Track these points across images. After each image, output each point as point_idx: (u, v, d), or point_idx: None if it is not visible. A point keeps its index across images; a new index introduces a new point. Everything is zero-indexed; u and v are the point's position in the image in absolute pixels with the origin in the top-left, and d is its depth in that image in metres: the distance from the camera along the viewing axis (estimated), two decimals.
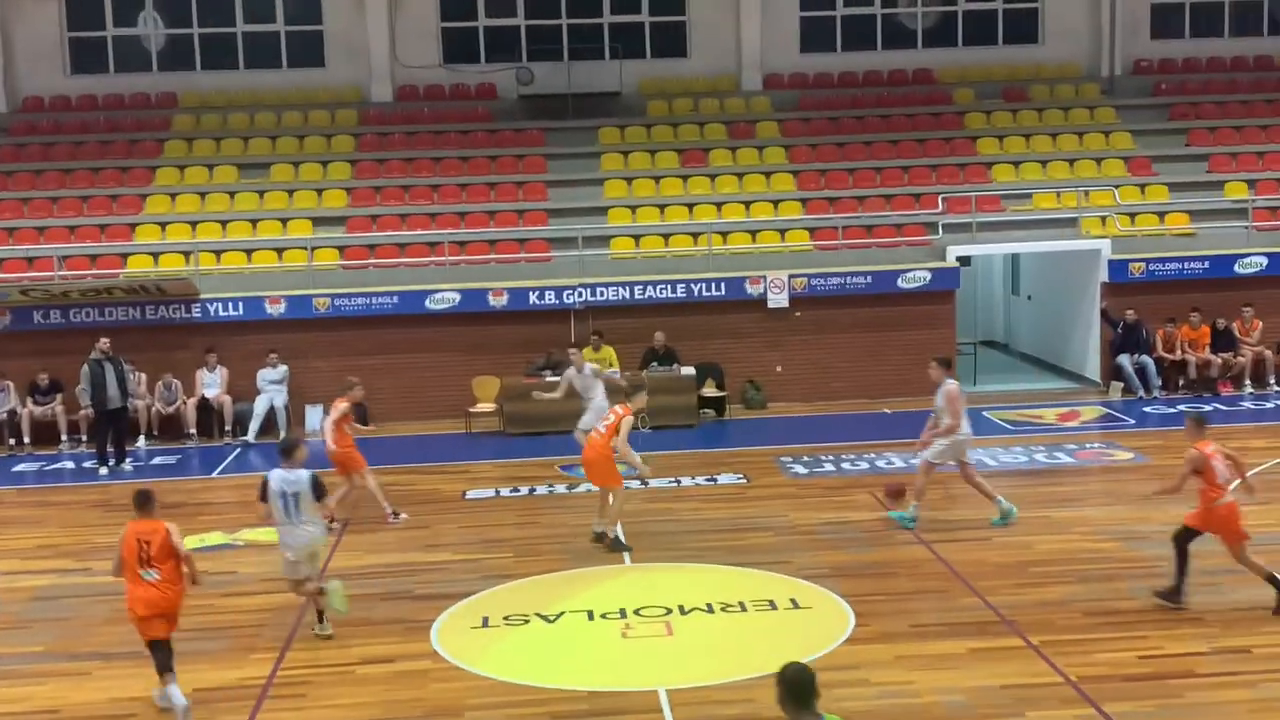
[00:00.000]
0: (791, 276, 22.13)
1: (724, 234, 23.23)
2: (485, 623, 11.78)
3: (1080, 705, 9.50)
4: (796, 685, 6.02)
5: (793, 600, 12.06)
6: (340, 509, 15.42)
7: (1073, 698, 9.63)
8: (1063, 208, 23.61)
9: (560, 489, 16.96)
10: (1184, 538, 11.44)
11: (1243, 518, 11.38)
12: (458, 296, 21.81)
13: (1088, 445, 18.59)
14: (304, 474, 11.32)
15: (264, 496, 11.39)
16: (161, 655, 9.78)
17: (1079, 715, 9.36)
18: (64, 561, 14.26)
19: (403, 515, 15.66)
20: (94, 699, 10.33)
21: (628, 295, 22.06)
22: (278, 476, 11.33)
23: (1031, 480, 16.47)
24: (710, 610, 11.83)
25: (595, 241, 23.08)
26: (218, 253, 22.57)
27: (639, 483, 16.33)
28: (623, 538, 14.10)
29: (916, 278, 22.25)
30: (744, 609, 11.85)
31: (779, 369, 22.43)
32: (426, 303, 21.77)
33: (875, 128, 26.12)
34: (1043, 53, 27.64)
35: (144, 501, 10.12)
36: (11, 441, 20.61)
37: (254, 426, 20.74)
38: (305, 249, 22.39)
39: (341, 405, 15.92)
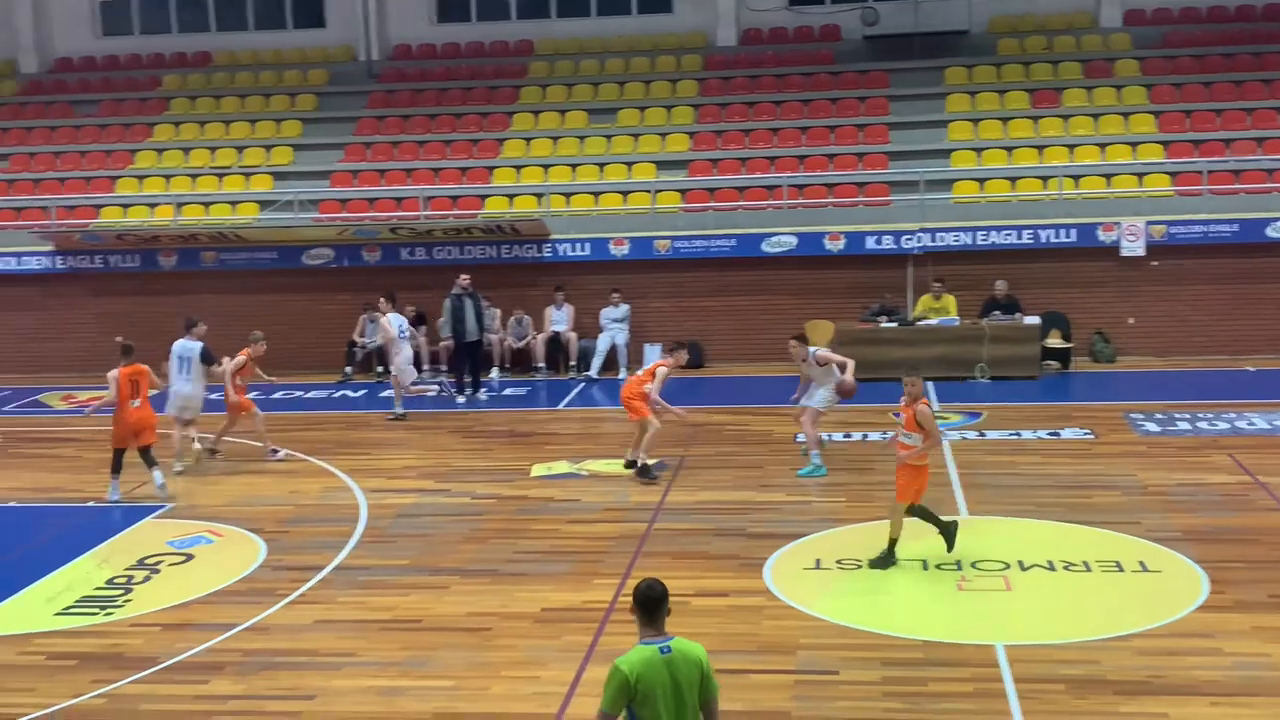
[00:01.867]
0: (1149, 223, 21.00)
1: (1075, 178, 22.26)
2: (818, 564, 11.87)
3: None
4: (648, 597, 6.22)
5: (1141, 563, 11.56)
6: (219, 442, 16.65)
7: None
8: None
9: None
10: None
11: None
12: (795, 240, 21.86)
13: None
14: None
15: None
16: (148, 456, 14.62)
17: None
18: (425, 482, 15.25)
19: (281, 452, 16.47)
20: (453, 611, 11.06)
21: (969, 241, 21.51)
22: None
23: None
24: (1051, 568, 11.50)
25: (937, 185, 22.59)
26: (567, 195, 23.43)
27: (851, 435, 15.97)
28: (650, 465, 14.96)
29: None
30: (1088, 568, 11.46)
31: (1131, 321, 21.39)
32: (763, 246, 21.94)
33: (1246, 66, 24.33)
34: None
35: (128, 350, 14.84)
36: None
37: (596, 363, 21.51)
38: (649, 192, 22.94)
39: (240, 358, 16.43)
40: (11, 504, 14.97)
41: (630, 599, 6.31)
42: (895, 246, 21.65)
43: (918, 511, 11.80)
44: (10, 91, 27.47)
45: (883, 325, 20.55)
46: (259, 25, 27.94)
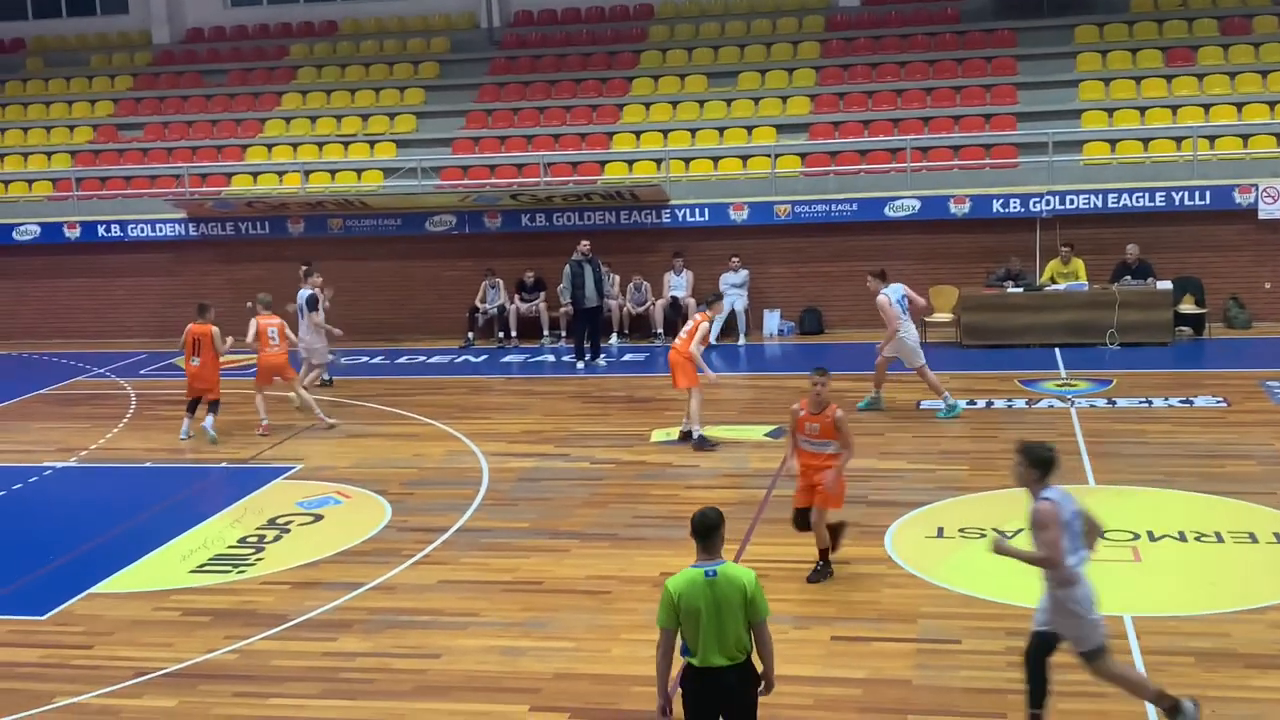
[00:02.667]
0: None
1: (1211, 138, 21.54)
2: (940, 533, 11.73)
3: None
4: (701, 525, 6.78)
5: (1276, 534, 11.21)
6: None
7: None
8: None
9: (1020, 403, 16.51)
10: None
11: None
12: (918, 204, 21.53)
13: None
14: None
15: None
16: (206, 408, 16.17)
17: None
18: (545, 447, 15.39)
19: (265, 421, 16.44)
20: (572, 574, 11.17)
21: (1100, 204, 20.97)
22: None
23: None
24: (1182, 538, 11.21)
25: (1066, 147, 22.03)
26: (687, 160, 23.35)
27: (1058, 401, 15.65)
28: (705, 435, 14.98)
29: None
30: (1220, 540, 11.15)
31: (1268, 285, 20.69)
32: (886, 210, 21.64)
33: None
34: None
35: (203, 310, 16.33)
36: (500, 335, 22.39)
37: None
38: (769, 156, 22.75)
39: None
40: (147, 464, 15.46)
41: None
42: (1023, 210, 21.19)
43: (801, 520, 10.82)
44: (144, 62, 28.21)
45: (1009, 290, 20.16)
46: None
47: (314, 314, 17.84)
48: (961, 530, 11.71)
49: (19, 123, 26.90)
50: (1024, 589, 10.26)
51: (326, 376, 18.77)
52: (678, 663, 6.80)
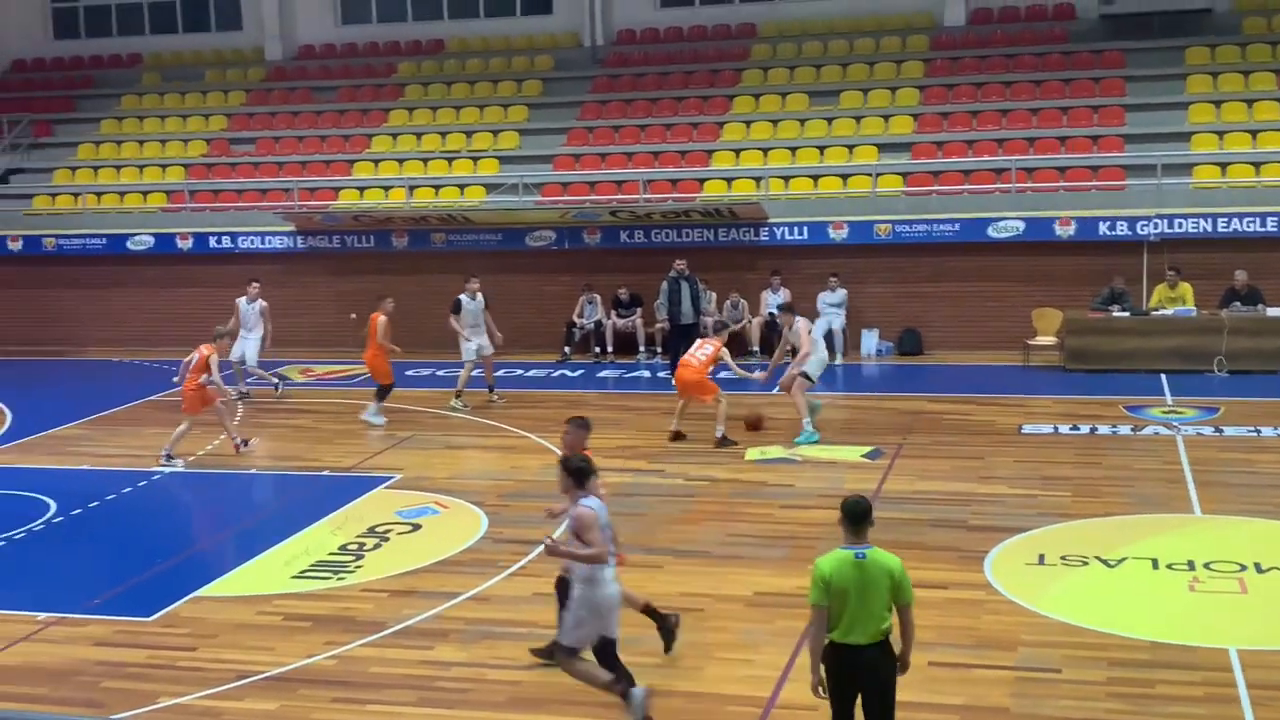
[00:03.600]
0: None
1: None
2: (1041, 560, 11.55)
3: None
4: (853, 511, 7.20)
5: None
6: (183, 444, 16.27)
7: None
8: None
9: (1124, 429, 16.21)
10: None
11: None
12: (1022, 225, 21.27)
13: None
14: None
15: None
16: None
17: None
18: (639, 462, 15.44)
19: (252, 441, 16.51)
20: (665, 591, 11.14)
21: (1209, 228, 20.56)
22: None
23: None
24: None
25: (1176, 169, 21.63)
26: (786, 178, 23.32)
27: (1164, 428, 15.32)
28: (726, 434, 16.00)
29: None
30: None
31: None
32: (989, 230, 21.41)
33: None
34: None
35: (381, 299, 17.69)
36: (597, 350, 22.52)
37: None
38: (870, 175, 22.64)
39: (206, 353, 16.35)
40: (251, 471, 15.79)
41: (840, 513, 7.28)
42: (1130, 233, 20.83)
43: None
44: (257, 78, 28.88)
45: (1115, 314, 19.82)
46: (489, 13, 28.64)
47: (456, 316, 18.89)
48: (1063, 558, 11.51)
49: (135, 136, 27.67)
50: (1129, 620, 10.08)
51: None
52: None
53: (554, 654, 8.80)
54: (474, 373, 19.19)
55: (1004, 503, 13.35)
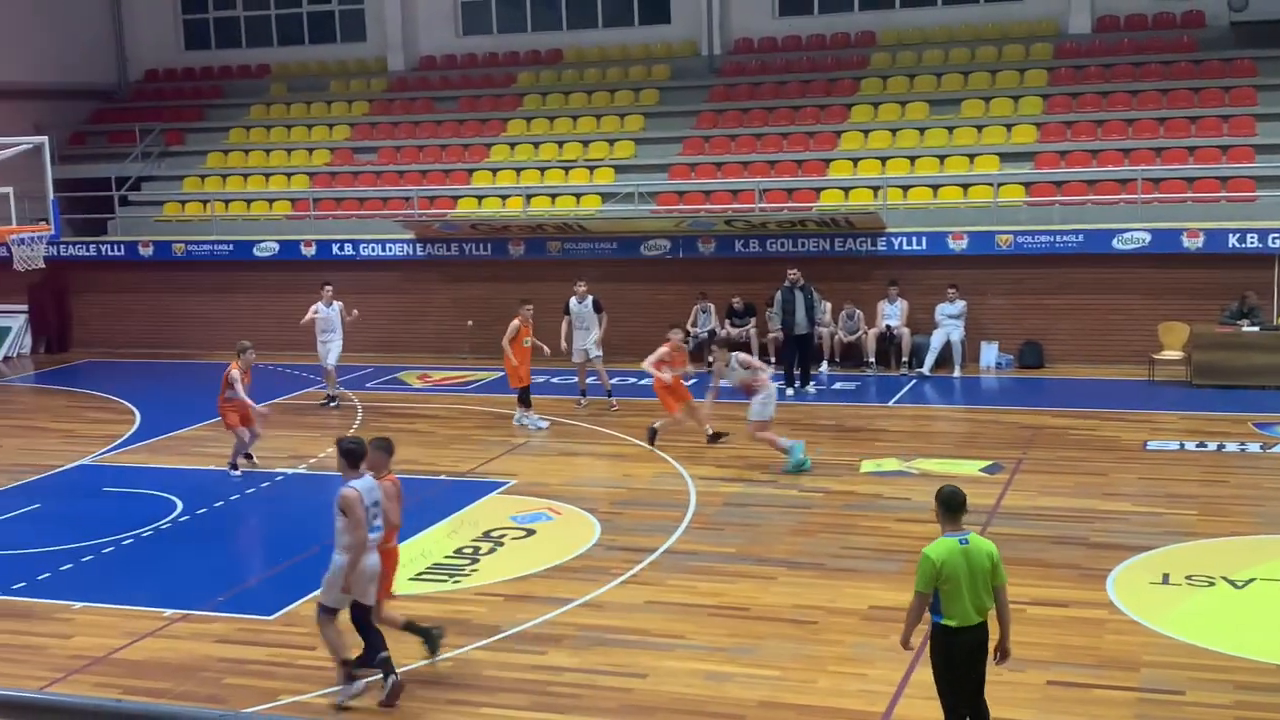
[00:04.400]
0: None
1: None
2: (1165, 579, 11.26)
3: None
4: (951, 500, 7.73)
5: None
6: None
7: None
8: None
9: (1253, 447, 15.73)
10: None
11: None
12: (1148, 236, 20.76)
13: None
14: None
15: None
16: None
17: None
18: (753, 473, 15.37)
19: (239, 470, 16.01)
20: (779, 602, 11.11)
21: None
22: None
23: None
24: None
25: None
26: (904, 188, 23.07)
27: (1206, 444, 14.76)
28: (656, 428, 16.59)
29: None
30: None
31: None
32: (1114, 242, 20.93)
33: None
34: None
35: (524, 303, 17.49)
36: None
37: (929, 359, 21.09)
38: (991, 185, 22.30)
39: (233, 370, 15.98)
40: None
41: (935, 501, 7.78)
42: (1261, 245, 20.20)
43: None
44: (380, 88, 29.41)
45: (1244, 329, 19.25)
46: (607, 23, 28.80)
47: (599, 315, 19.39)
48: (1189, 577, 11.21)
49: (262, 144, 28.36)
50: (1257, 642, 9.78)
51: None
52: None
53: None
54: (589, 378, 19.34)
55: (1127, 520, 13.04)
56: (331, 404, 20.00)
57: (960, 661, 7.70)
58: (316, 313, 20.27)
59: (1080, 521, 13.02)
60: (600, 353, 19.38)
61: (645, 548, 12.60)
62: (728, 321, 22.53)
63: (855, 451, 16.18)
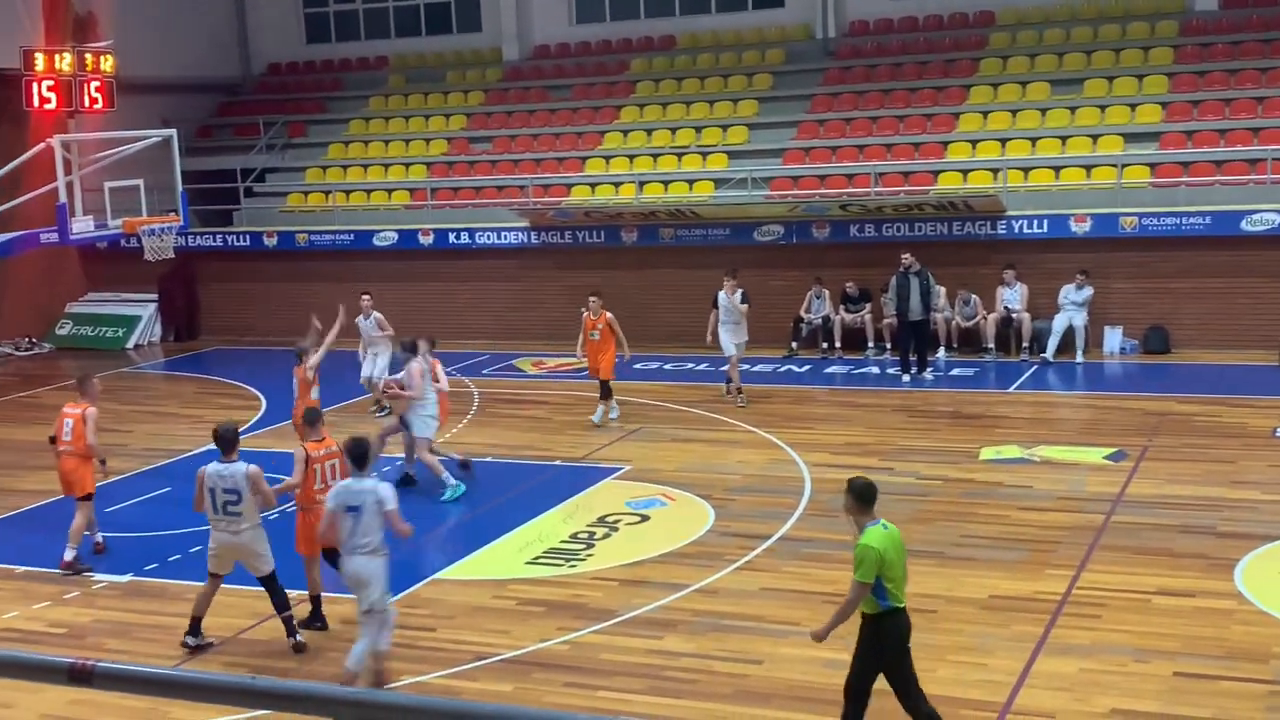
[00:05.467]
0: None
1: None
2: None
3: None
4: (865, 491, 8.06)
5: None
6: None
7: None
8: None
9: None
10: None
11: None
12: (1278, 218, 20.10)
13: None
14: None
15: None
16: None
17: None
18: (868, 459, 15.22)
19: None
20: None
21: None
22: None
23: None
24: None
25: None
26: (1025, 170, 22.63)
27: None
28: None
29: None
30: None
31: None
32: (1243, 224, 20.31)
33: None
34: None
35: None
36: (824, 345, 22.33)
37: (1052, 344, 20.66)
38: (1115, 166, 21.77)
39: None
40: (488, 459, 16.24)
41: (849, 493, 8.10)
42: None
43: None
44: (495, 78, 29.68)
45: None
46: (720, 8, 28.69)
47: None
48: None
49: (381, 135, 28.80)
50: None
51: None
52: None
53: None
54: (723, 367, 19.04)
55: (1257, 509, 12.67)
56: (380, 412, 18.22)
57: (906, 640, 8.01)
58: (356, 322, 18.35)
59: (1208, 510, 12.69)
60: (732, 349, 18.37)
61: (759, 534, 12.57)
62: (842, 307, 22.34)
63: (974, 439, 15.95)
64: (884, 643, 8.00)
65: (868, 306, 22.13)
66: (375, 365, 18.66)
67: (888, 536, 7.95)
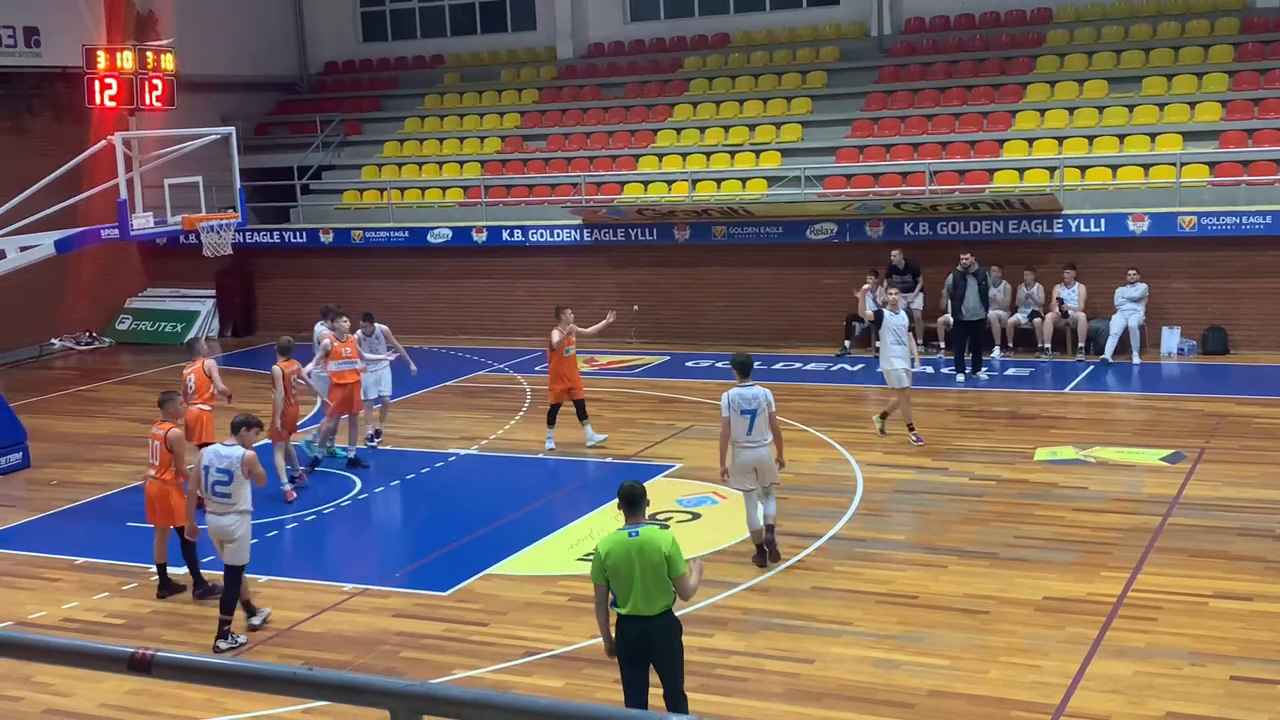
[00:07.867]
0: None
1: None
2: None
3: None
4: (630, 494, 8.07)
5: None
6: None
7: None
8: None
9: None
10: None
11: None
12: None
13: None
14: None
15: None
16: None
17: None
18: (923, 459, 15.15)
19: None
20: (949, 591, 10.94)
21: None
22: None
23: None
24: None
25: None
26: (1082, 168, 22.41)
27: None
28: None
29: None
30: None
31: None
32: None
33: None
34: None
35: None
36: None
37: (1110, 344, 20.44)
38: (1173, 165, 21.51)
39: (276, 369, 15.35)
40: (539, 455, 16.30)
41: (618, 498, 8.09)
42: None
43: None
44: (549, 76, 29.76)
45: None
46: (775, 5, 28.62)
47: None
48: None
49: (436, 133, 28.97)
50: None
51: None
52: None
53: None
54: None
55: None
56: (375, 440, 17.10)
57: (635, 650, 7.93)
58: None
59: (1266, 513, 12.51)
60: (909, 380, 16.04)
61: (811, 533, 12.54)
62: (886, 280, 21.68)
63: (1029, 439, 15.82)
64: (620, 646, 8.08)
65: (919, 285, 21.83)
66: (381, 383, 17.03)
67: (622, 541, 7.90)
